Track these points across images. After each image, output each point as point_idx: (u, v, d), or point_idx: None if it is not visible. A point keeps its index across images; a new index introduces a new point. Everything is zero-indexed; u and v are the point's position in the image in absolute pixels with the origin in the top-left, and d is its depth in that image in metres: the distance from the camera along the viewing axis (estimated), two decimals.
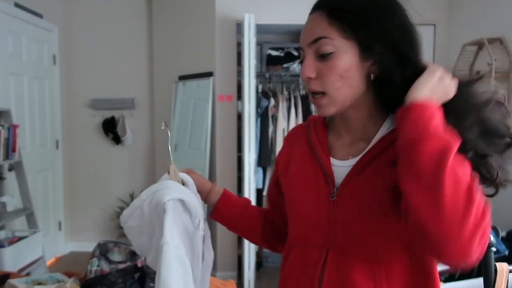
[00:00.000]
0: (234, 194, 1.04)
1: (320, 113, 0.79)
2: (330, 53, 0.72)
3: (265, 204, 3.53)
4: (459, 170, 0.61)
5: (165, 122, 0.90)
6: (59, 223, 3.93)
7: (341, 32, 0.72)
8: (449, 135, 0.63)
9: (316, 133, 0.87)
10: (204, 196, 0.99)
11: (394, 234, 0.72)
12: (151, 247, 0.76)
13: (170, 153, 0.94)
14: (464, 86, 0.72)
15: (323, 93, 0.75)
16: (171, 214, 0.73)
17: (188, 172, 0.97)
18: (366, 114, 0.80)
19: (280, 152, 0.97)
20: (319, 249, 0.80)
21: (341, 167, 0.81)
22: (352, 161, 0.79)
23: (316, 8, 0.76)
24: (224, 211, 1.01)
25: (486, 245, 0.61)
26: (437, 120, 0.65)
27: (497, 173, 0.71)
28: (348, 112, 0.79)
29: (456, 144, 0.62)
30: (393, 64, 0.72)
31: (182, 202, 0.77)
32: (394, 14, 0.72)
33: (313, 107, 3.47)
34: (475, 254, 0.60)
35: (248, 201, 1.06)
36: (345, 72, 0.73)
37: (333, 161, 0.82)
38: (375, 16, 0.72)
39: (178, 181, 0.87)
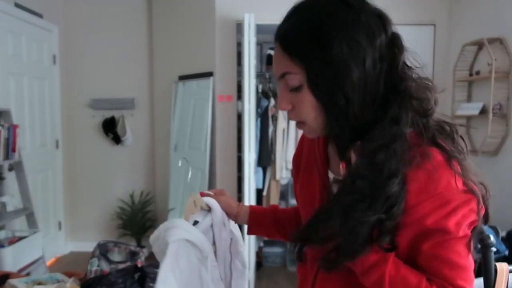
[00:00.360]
0: (259, 206, 1.06)
1: (307, 135, 0.80)
2: (299, 86, 0.70)
3: (265, 204, 3.53)
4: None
5: (184, 158, 0.95)
6: (59, 223, 3.93)
7: (297, 65, 0.69)
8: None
9: (318, 142, 0.86)
10: (232, 218, 0.99)
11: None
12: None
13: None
14: None
15: (302, 122, 0.75)
16: (170, 258, 0.76)
17: (219, 193, 0.98)
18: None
19: (295, 152, 0.98)
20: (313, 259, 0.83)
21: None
22: None
23: (275, 39, 0.74)
24: (257, 227, 1.03)
25: None
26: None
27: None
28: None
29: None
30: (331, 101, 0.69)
31: (188, 241, 0.81)
32: (334, 48, 0.66)
33: None
34: None
35: (275, 208, 1.07)
36: (316, 102, 0.70)
37: (330, 174, 0.83)
38: (312, 49, 0.68)
39: (202, 207, 0.91)
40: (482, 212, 0.69)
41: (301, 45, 0.68)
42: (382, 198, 0.65)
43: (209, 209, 0.93)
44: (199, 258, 0.84)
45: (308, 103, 0.71)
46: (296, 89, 0.71)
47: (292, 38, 0.70)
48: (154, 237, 0.83)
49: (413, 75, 0.72)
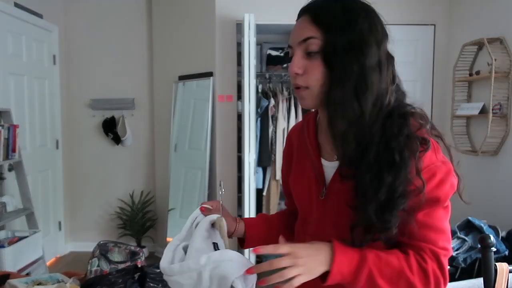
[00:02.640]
0: (251, 219, 1.08)
1: (302, 105, 0.87)
2: (317, 52, 0.78)
3: (265, 204, 3.53)
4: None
5: (221, 180, 0.94)
6: (59, 223, 3.93)
7: (321, 33, 0.78)
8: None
9: (308, 132, 0.94)
10: (230, 234, 0.99)
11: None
12: None
13: (221, 209, 0.95)
14: None
15: (306, 87, 0.82)
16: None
17: (215, 209, 0.96)
18: None
19: (284, 150, 1.06)
20: (304, 239, 0.89)
21: (329, 167, 0.88)
22: (336, 163, 0.86)
23: (303, 12, 0.83)
24: (252, 242, 1.02)
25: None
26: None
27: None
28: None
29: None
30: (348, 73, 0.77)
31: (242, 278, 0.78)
32: (359, 23, 0.77)
33: None
34: None
35: (266, 218, 1.10)
36: (327, 70, 0.79)
37: (323, 161, 0.90)
38: (339, 21, 0.77)
39: (217, 228, 0.90)
40: (456, 181, 0.80)
41: (330, 17, 0.78)
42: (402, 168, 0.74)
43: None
44: None
45: (320, 69, 0.79)
46: (313, 55, 0.79)
47: (323, 10, 0.79)
48: (186, 267, 0.78)
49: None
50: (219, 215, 0.90)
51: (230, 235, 0.97)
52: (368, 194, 0.75)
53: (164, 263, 0.81)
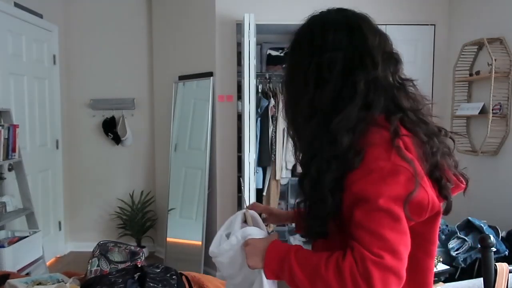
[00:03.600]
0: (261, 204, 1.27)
1: None
2: None
3: (265, 204, 3.53)
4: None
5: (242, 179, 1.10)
6: (59, 223, 3.93)
7: None
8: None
9: None
10: (283, 222, 1.23)
11: None
12: (239, 274, 0.97)
13: (246, 202, 1.16)
14: None
15: None
16: None
17: (253, 207, 1.14)
18: None
19: None
20: None
21: None
22: None
23: None
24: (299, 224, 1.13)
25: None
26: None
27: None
28: None
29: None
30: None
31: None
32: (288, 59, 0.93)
33: None
34: None
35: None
36: None
37: None
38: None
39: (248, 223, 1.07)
40: (412, 186, 0.75)
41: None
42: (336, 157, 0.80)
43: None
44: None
45: None
46: None
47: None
48: (223, 249, 0.97)
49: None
50: (245, 209, 1.08)
51: (283, 223, 1.25)
52: (308, 172, 0.84)
53: (212, 247, 1.00)
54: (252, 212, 1.08)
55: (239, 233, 0.95)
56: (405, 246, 0.74)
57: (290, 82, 0.93)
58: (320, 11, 0.92)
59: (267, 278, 0.87)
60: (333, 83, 0.83)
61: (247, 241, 0.91)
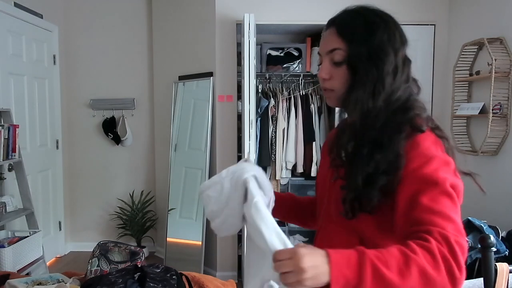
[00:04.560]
0: (278, 192, 1.18)
1: (328, 103, 1.02)
2: (341, 61, 0.93)
3: None
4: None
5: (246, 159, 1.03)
6: (59, 223, 3.93)
7: (345, 45, 0.92)
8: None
9: (334, 133, 1.06)
10: None
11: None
12: (220, 215, 0.94)
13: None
14: None
15: (332, 90, 0.97)
16: (255, 183, 0.90)
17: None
18: None
19: (325, 145, 1.16)
20: (320, 219, 1.06)
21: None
22: None
23: (330, 24, 0.97)
24: (278, 211, 1.07)
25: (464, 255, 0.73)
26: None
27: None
28: None
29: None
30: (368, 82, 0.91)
31: (256, 178, 0.92)
32: (378, 35, 0.90)
33: (312, 108, 3.48)
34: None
35: (293, 196, 1.25)
36: (349, 76, 0.93)
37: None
38: (361, 34, 0.91)
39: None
40: (460, 182, 0.84)
41: (353, 30, 0.91)
42: (390, 150, 0.85)
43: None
44: (263, 197, 0.93)
45: (343, 76, 0.93)
46: (338, 64, 0.93)
47: (347, 24, 0.93)
48: (212, 181, 0.95)
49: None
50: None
51: (285, 219, 1.19)
52: (360, 166, 0.87)
53: (202, 185, 0.99)
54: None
55: (232, 168, 0.95)
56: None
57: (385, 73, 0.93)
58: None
59: None
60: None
61: (298, 252, 0.69)
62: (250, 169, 0.93)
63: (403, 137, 0.86)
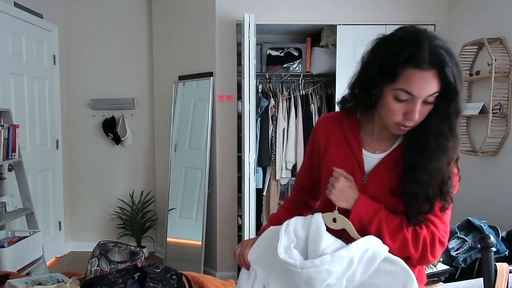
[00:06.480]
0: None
1: (398, 133, 1.03)
2: (432, 102, 0.95)
3: (265, 204, 3.53)
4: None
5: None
6: (59, 223, 3.93)
7: (440, 88, 0.93)
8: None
9: (349, 127, 1.11)
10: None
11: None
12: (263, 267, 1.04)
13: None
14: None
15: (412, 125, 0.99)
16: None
17: None
18: None
19: (318, 135, 1.19)
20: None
21: (370, 158, 1.07)
22: (380, 155, 1.07)
23: (428, 67, 0.91)
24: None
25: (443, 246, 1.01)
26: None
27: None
28: None
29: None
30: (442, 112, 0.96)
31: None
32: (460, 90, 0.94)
33: (312, 108, 3.48)
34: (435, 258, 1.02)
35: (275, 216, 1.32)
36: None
37: (365, 152, 1.08)
38: (456, 90, 0.93)
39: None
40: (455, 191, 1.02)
41: (452, 80, 0.91)
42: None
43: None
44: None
45: (427, 112, 0.96)
46: (428, 103, 0.95)
47: (448, 70, 0.91)
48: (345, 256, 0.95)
49: None
50: (331, 212, 1.05)
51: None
52: (431, 179, 0.97)
53: (301, 261, 0.95)
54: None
55: (362, 242, 0.95)
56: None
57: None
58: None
59: (350, 220, 1.00)
60: None
61: (337, 180, 1.03)
62: (381, 245, 0.97)
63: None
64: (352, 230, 1.01)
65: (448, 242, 2.31)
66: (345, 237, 1.00)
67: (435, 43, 0.91)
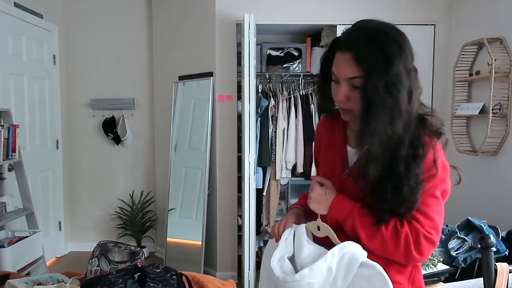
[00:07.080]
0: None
1: (343, 118, 1.08)
2: (359, 86, 0.95)
3: (265, 204, 3.53)
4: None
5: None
6: (59, 223, 3.93)
7: (363, 73, 0.93)
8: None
9: (338, 126, 1.16)
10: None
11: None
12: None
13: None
14: None
15: (350, 110, 1.02)
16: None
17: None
18: None
19: (317, 136, 1.28)
20: None
21: (352, 153, 1.10)
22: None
23: (345, 48, 0.96)
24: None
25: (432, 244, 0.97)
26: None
27: None
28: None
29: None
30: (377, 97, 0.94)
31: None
32: (395, 65, 0.91)
33: (312, 108, 3.48)
34: (421, 257, 0.98)
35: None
36: (364, 99, 0.98)
37: (349, 148, 1.12)
38: (380, 66, 0.91)
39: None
40: (450, 183, 1.01)
41: (371, 62, 0.92)
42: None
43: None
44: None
45: (360, 99, 0.96)
46: (356, 88, 0.96)
47: (365, 54, 0.92)
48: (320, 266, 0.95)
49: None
50: (315, 221, 1.08)
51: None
52: (401, 181, 0.95)
53: (283, 275, 0.96)
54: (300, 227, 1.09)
55: (336, 249, 0.95)
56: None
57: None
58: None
59: (328, 224, 1.03)
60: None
61: (312, 190, 1.07)
62: (358, 249, 0.96)
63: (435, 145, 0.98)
64: (333, 236, 1.02)
65: (448, 242, 2.31)
66: (329, 244, 1.01)
67: (363, 28, 0.96)
